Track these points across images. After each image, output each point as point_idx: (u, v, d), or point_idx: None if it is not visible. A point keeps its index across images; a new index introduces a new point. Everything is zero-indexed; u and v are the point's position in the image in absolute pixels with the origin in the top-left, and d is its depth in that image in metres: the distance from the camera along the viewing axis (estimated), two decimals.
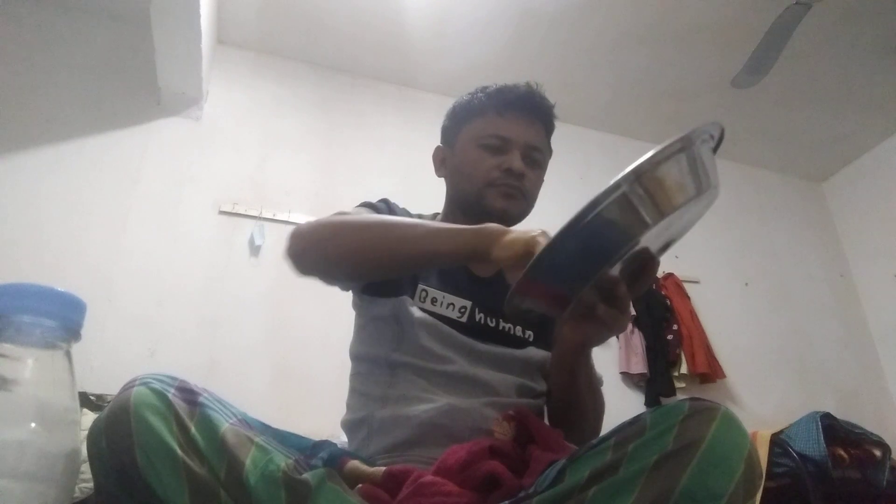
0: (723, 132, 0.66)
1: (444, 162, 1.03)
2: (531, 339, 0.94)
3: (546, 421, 0.95)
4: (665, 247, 0.71)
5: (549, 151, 1.03)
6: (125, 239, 2.37)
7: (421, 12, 2.73)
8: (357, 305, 0.98)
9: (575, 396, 0.86)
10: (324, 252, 0.83)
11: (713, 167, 0.64)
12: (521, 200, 0.95)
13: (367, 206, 0.98)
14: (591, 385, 0.88)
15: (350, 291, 0.98)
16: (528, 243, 0.67)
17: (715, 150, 0.68)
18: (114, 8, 2.69)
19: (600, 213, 0.56)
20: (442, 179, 1.05)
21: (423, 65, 3.04)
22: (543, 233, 0.68)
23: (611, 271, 0.64)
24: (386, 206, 0.99)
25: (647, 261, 0.66)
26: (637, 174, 0.57)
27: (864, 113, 3.36)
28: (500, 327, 0.92)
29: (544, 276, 0.61)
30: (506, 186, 0.93)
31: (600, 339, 0.73)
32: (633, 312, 2.83)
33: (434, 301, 0.90)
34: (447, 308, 0.90)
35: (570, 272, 0.61)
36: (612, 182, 0.56)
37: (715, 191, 0.64)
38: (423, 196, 1.08)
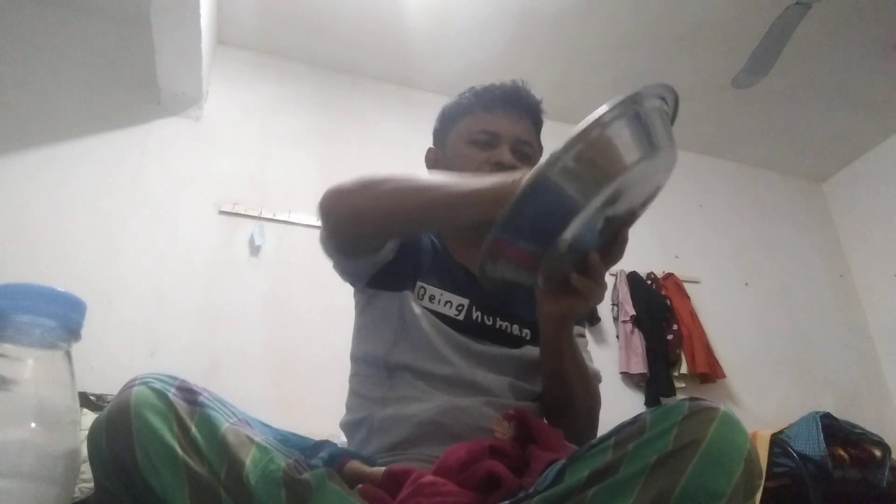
0: (677, 96, 0.68)
1: (436, 162, 1.04)
2: (528, 338, 0.94)
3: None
4: (632, 214, 0.72)
5: (540, 147, 1.03)
6: (125, 239, 2.37)
7: (421, 13, 2.73)
8: (360, 303, 0.97)
9: (562, 377, 0.86)
10: (354, 203, 0.81)
11: (666, 129, 0.65)
12: None
13: None
14: (579, 367, 0.87)
15: (354, 287, 0.98)
16: (502, 192, 0.67)
17: (673, 118, 0.69)
18: (114, 8, 2.69)
19: (552, 175, 0.59)
20: None
21: (423, 65, 3.04)
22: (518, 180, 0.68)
23: (583, 241, 0.66)
24: None
25: (617, 231, 0.69)
26: (585, 135, 0.59)
27: (864, 113, 3.36)
28: (498, 326, 0.92)
29: (509, 236, 0.64)
30: None
31: (578, 310, 0.77)
32: (632, 312, 2.84)
33: (432, 298, 0.91)
34: (445, 306, 0.91)
35: (532, 232, 0.63)
36: (562, 144, 0.59)
37: (670, 152, 0.65)
38: None
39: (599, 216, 0.65)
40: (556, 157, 0.59)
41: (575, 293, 0.73)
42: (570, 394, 0.87)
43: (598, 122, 0.59)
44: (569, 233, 0.63)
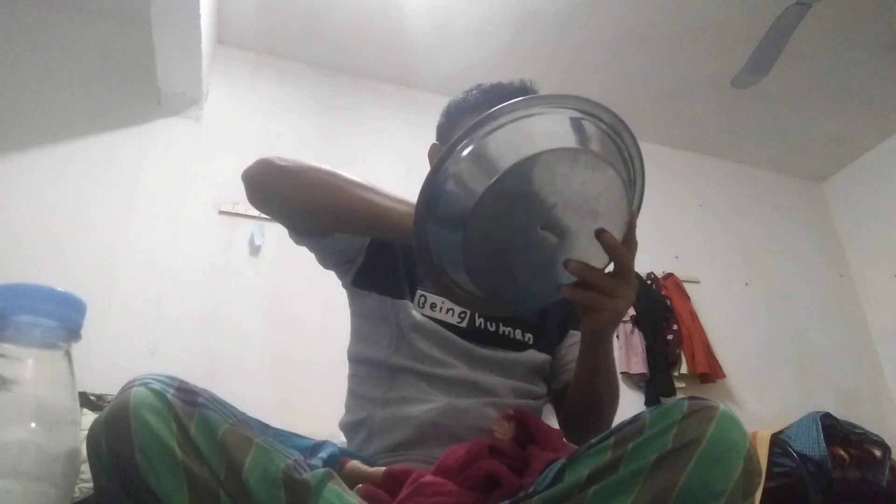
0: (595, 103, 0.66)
1: None
2: (531, 343, 0.94)
3: (557, 418, 0.95)
4: (595, 220, 0.68)
5: None
6: (125, 239, 2.37)
7: (421, 12, 2.73)
8: (352, 304, 0.98)
9: (592, 393, 0.85)
10: (281, 179, 0.82)
11: (565, 131, 0.65)
12: None
13: None
14: (611, 386, 0.86)
15: (341, 281, 0.98)
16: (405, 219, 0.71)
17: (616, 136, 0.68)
18: (114, 8, 2.69)
19: (438, 183, 0.63)
20: None
21: (423, 65, 3.04)
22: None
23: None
24: None
25: (606, 243, 0.67)
26: (451, 150, 0.62)
27: (864, 113, 3.36)
28: (501, 331, 0.92)
29: (426, 244, 0.66)
30: None
31: (601, 326, 0.75)
32: (632, 312, 2.84)
33: (433, 306, 0.90)
34: (447, 313, 0.90)
35: (440, 234, 0.65)
36: (440, 156, 0.62)
37: (567, 152, 0.63)
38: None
39: (527, 230, 0.65)
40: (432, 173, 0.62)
41: (592, 309, 0.70)
42: (597, 410, 0.87)
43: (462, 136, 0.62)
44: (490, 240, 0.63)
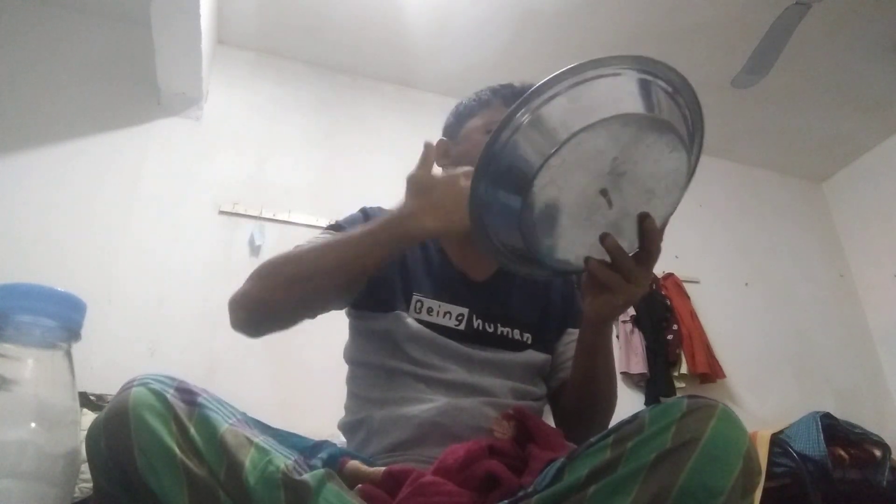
0: (674, 70, 0.66)
1: (446, 153, 1.03)
2: (530, 343, 0.93)
3: (553, 416, 0.95)
4: (647, 202, 0.69)
5: None
6: (125, 239, 2.37)
7: (421, 12, 2.73)
8: (350, 317, 0.97)
9: (591, 381, 0.85)
10: (262, 301, 0.83)
11: (652, 98, 0.64)
12: None
13: (331, 229, 0.95)
14: (609, 374, 0.86)
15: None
16: (457, 190, 0.74)
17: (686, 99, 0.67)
18: (114, 8, 2.69)
19: (508, 136, 0.63)
20: None
21: (423, 65, 3.04)
22: (464, 172, 0.74)
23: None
24: (362, 216, 0.97)
25: (646, 228, 0.67)
26: (526, 102, 0.63)
27: (864, 113, 3.36)
28: (499, 332, 0.92)
29: (485, 207, 0.67)
30: None
31: (612, 310, 0.75)
32: (632, 312, 2.84)
33: (430, 311, 0.90)
34: (444, 317, 0.90)
35: (503, 196, 0.65)
36: (509, 109, 0.63)
37: (660, 123, 0.63)
38: None
39: (589, 198, 0.65)
40: (501, 126, 0.63)
41: (608, 290, 0.71)
42: (594, 400, 0.86)
43: (541, 88, 0.63)
44: (540, 196, 0.63)
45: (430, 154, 0.81)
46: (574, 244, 0.68)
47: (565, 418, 0.92)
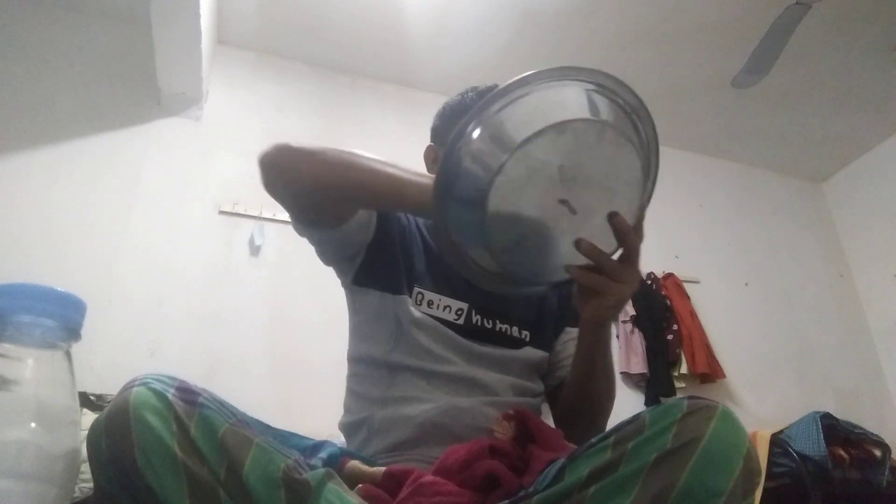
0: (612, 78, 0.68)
1: (435, 160, 1.03)
2: (528, 340, 0.94)
3: (552, 415, 0.95)
4: (610, 200, 0.69)
5: None
6: (125, 239, 2.37)
7: (421, 12, 2.73)
8: (352, 303, 0.98)
9: (589, 384, 0.85)
10: (302, 161, 0.81)
11: (582, 104, 0.66)
12: None
13: None
14: (608, 377, 0.86)
15: (341, 280, 0.98)
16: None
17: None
18: (114, 8, 2.69)
19: (454, 157, 0.64)
20: None
21: (423, 65, 3.04)
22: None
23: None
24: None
25: (617, 225, 0.68)
26: (475, 117, 0.63)
27: (864, 113, 3.36)
28: (497, 328, 0.92)
29: (453, 229, 0.68)
30: None
31: (604, 312, 0.75)
32: (632, 312, 2.84)
33: (430, 304, 0.91)
34: (444, 310, 0.91)
35: (461, 212, 0.66)
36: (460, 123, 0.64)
37: (595, 123, 0.64)
38: None
39: (550, 198, 0.65)
40: (455, 138, 0.63)
41: (596, 293, 0.71)
42: (593, 399, 0.86)
43: (487, 102, 0.63)
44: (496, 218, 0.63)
45: None
46: (551, 256, 0.69)
47: (564, 417, 0.93)
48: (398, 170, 0.78)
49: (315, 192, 0.82)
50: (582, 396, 0.87)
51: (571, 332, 0.98)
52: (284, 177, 0.82)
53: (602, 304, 0.73)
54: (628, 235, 0.68)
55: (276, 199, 0.86)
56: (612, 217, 0.67)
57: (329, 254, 0.95)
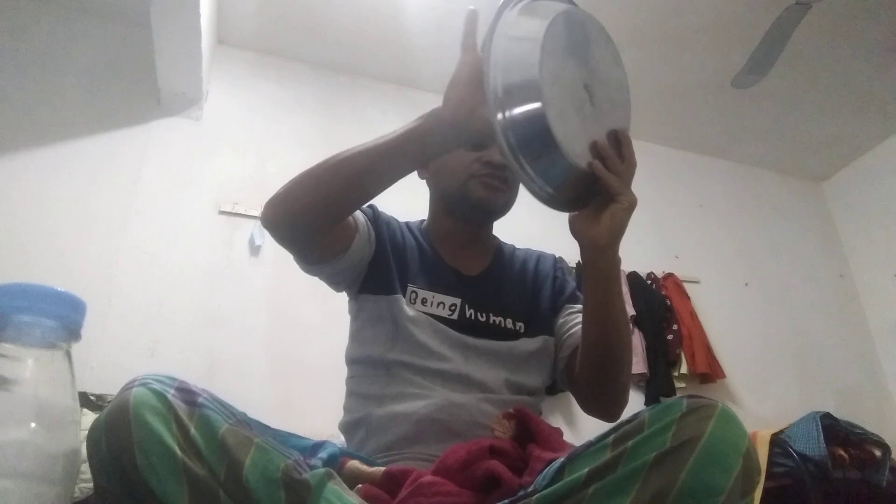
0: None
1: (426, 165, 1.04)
2: (522, 331, 0.94)
3: (570, 389, 0.96)
4: (611, 109, 0.80)
5: None
6: (125, 239, 2.37)
7: (421, 12, 2.73)
8: (354, 309, 0.98)
9: (609, 321, 0.81)
10: (291, 205, 0.82)
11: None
12: (504, 191, 0.97)
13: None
14: (624, 310, 0.83)
15: (349, 295, 0.99)
16: (461, 72, 0.83)
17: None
18: (114, 8, 2.69)
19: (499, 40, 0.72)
20: None
21: (423, 65, 3.04)
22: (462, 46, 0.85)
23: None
24: (372, 213, 1.00)
25: (621, 139, 0.78)
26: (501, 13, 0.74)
27: (864, 113, 3.36)
28: (491, 321, 0.93)
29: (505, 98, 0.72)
30: (488, 177, 0.96)
31: (621, 218, 0.77)
32: (632, 312, 2.83)
33: (424, 301, 0.92)
34: (437, 307, 0.92)
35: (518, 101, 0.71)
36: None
37: (602, 29, 0.83)
38: (420, 195, 1.09)
39: (577, 91, 0.74)
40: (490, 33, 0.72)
41: (611, 197, 0.75)
42: (614, 352, 0.82)
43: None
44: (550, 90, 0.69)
45: (470, 22, 0.83)
46: (578, 133, 0.74)
47: (585, 384, 0.88)
48: (380, 140, 0.82)
49: (319, 211, 0.83)
50: (602, 345, 0.82)
51: (571, 308, 0.98)
52: (288, 218, 0.83)
53: (618, 210, 0.76)
54: (630, 149, 0.77)
55: (295, 245, 0.87)
56: (619, 132, 0.77)
57: (343, 283, 0.96)
